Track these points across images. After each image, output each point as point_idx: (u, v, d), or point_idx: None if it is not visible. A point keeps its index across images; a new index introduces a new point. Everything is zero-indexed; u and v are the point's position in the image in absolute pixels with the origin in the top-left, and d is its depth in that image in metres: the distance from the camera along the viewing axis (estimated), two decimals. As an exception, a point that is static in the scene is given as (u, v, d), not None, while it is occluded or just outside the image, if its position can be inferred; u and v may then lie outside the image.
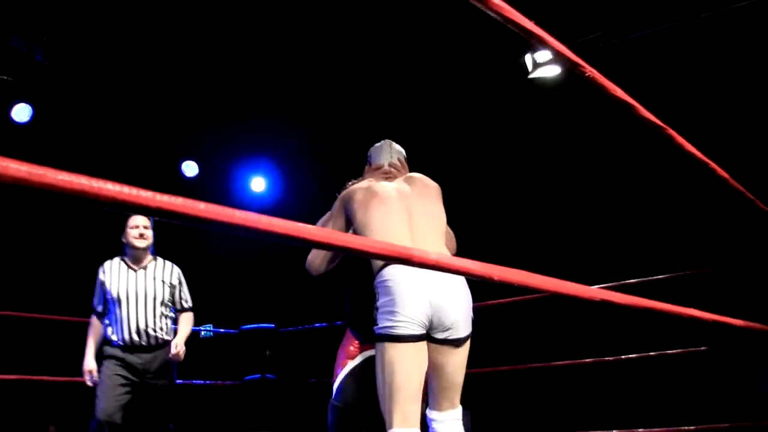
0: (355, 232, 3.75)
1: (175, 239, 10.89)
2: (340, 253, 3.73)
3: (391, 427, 3.35)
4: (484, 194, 8.94)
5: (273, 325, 7.95)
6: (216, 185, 10.49)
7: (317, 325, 8.15)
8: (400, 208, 3.71)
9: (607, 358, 6.68)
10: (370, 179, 3.98)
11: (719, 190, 3.93)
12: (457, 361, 3.50)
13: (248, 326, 7.97)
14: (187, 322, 5.65)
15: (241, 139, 9.93)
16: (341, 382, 4.04)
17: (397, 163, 4.14)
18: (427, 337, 3.43)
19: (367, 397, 3.73)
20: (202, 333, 8.32)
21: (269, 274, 10.89)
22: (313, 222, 6.99)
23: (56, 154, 6.75)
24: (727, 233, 7.35)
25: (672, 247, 7.96)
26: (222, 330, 8.25)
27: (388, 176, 4.03)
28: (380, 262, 3.50)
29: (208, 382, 7.99)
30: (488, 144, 9.28)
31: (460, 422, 3.57)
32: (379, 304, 3.46)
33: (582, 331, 8.45)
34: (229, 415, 8.35)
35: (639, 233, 8.41)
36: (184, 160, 9.83)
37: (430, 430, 3.56)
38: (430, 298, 3.38)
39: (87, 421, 5.15)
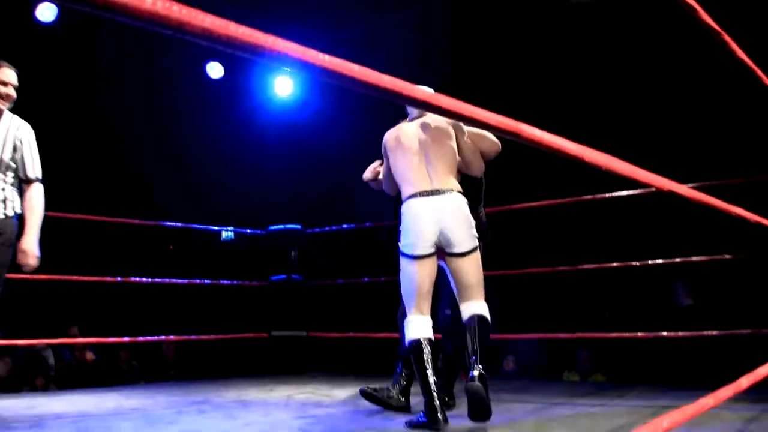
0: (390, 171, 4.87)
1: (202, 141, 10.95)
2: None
3: (408, 315, 4.51)
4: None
5: (300, 226, 7.94)
6: (241, 87, 10.44)
7: (344, 226, 8.18)
8: (419, 156, 4.66)
9: (634, 263, 6.74)
10: (400, 124, 4.93)
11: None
12: (468, 267, 4.48)
13: (275, 227, 7.96)
14: (34, 200, 4.68)
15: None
16: None
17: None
18: (444, 252, 4.48)
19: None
20: (224, 235, 8.33)
21: (296, 176, 10.92)
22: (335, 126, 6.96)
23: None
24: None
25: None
26: (249, 231, 8.24)
27: (413, 119, 4.91)
28: (406, 195, 4.60)
29: (234, 282, 8.02)
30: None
31: (484, 308, 4.47)
32: (400, 228, 4.59)
33: (615, 235, 8.54)
34: (254, 315, 8.40)
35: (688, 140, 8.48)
36: (209, 62, 9.73)
37: (464, 312, 4.49)
38: (437, 224, 4.43)
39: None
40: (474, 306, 4.44)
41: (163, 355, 9.91)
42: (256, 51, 1.14)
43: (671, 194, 2.44)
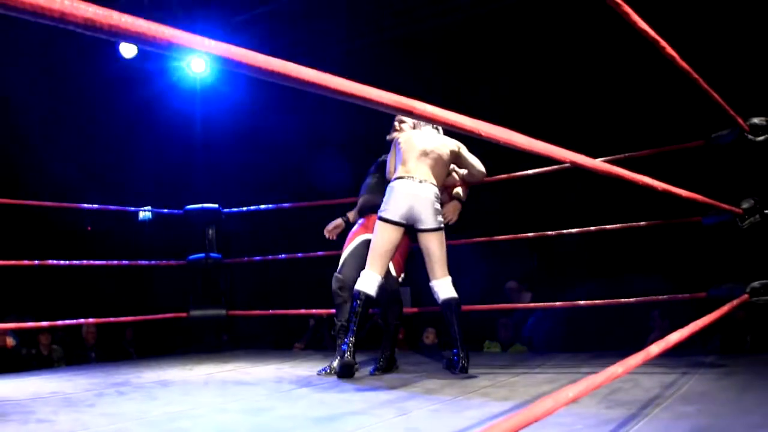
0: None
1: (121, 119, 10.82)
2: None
3: (365, 268, 5.48)
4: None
5: (217, 206, 7.87)
6: (155, 65, 10.32)
7: (262, 207, 8.13)
8: (419, 154, 5.65)
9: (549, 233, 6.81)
10: (408, 131, 5.96)
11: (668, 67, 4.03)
12: (434, 244, 5.50)
13: (192, 207, 7.88)
14: None
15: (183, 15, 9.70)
16: (345, 258, 5.97)
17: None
18: (415, 228, 5.54)
19: (359, 264, 5.70)
20: (141, 215, 8.24)
21: (214, 154, 10.86)
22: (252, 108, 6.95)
23: None
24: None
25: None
26: (166, 210, 8.15)
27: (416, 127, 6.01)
28: (396, 177, 5.61)
29: (152, 262, 7.95)
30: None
31: (450, 285, 5.51)
32: (384, 199, 5.59)
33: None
34: (173, 294, 8.35)
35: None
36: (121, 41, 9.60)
37: (433, 293, 5.54)
38: (409, 202, 5.46)
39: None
40: (444, 287, 5.50)
41: (83, 338, 9.82)
42: (140, 39, 1.13)
43: (576, 167, 2.47)
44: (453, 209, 6.00)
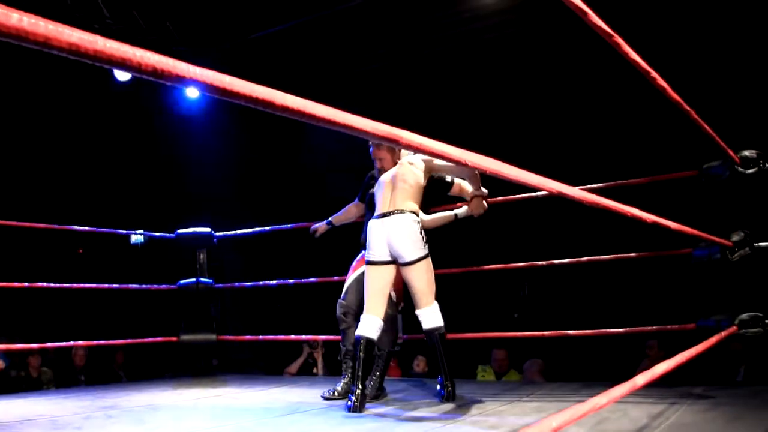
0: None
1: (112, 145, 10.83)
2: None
3: (363, 312, 5.43)
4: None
5: (209, 231, 7.87)
6: (149, 90, 10.33)
7: (253, 231, 8.13)
8: (389, 187, 5.58)
9: (540, 263, 6.83)
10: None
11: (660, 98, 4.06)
12: (413, 276, 5.37)
13: (184, 231, 7.88)
14: None
15: (177, 41, 9.74)
16: (348, 285, 5.99)
17: (380, 161, 5.89)
18: (398, 263, 5.41)
19: (362, 296, 5.63)
20: (133, 239, 8.22)
21: (207, 178, 10.87)
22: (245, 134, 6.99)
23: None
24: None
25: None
26: (158, 234, 8.15)
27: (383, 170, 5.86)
28: (371, 217, 5.58)
29: (143, 286, 7.95)
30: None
31: (437, 314, 5.41)
32: (366, 240, 5.55)
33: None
34: (163, 319, 8.33)
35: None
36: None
37: (420, 321, 5.44)
38: (387, 239, 5.37)
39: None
40: (429, 317, 5.41)
41: (73, 361, 9.80)
42: (125, 65, 1.14)
43: (563, 197, 2.49)
44: (476, 205, 5.80)
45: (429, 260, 5.43)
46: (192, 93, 10.13)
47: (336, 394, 5.77)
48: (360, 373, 5.18)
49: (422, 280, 5.38)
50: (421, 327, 5.49)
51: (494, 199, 6.48)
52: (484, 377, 8.80)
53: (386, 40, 9.86)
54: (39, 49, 1.05)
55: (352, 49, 10.02)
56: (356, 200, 6.38)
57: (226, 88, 1.27)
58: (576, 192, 2.59)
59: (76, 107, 10.51)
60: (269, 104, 1.32)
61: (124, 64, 1.14)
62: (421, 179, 5.64)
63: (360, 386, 5.13)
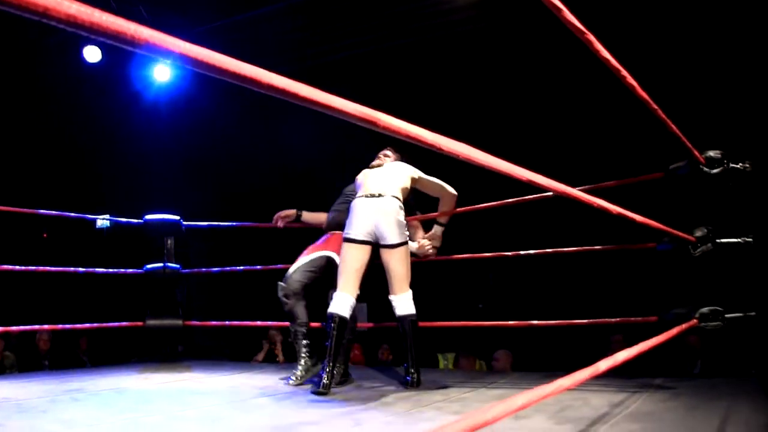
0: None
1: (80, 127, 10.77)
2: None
3: (336, 290, 5.46)
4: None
5: (178, 218, 7.86)
6: (119, 72, 10.29)
7: (223, 224, 8.16)
8: (377, 175, 5.77)
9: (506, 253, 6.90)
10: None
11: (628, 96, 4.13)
12: (395, 259, 5.52)
13: (152, 217, 7.87)
14: None
15: (146, 22, 9.68)
16: (296, 267, 6.04)
17: (381, 158, 6.14)
18: (379, 245, 5.53)
19: (305, 278, 5.96)
20: (98, 224, 8.18)
21: (176, 164, 10.85)
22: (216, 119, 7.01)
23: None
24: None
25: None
26: (124, 220, 8.12)
27: (378, 165, 6.04)
28: (356, 197, 5.67)
29: (109, 270, 7.93)
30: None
31: (410, 302, 5.57)
32: (347, 220, 5.62)
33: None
34: (130, 303, 8.33)
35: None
36: (86, 45, 9.58)
37: (393, 307, 5.58)
38: (373, 219, 5.48)
39: None
40: (403, 304, 5.57)
41: (37, 346, 9.78)
42: (119, 38, 1.17)
43: (532, 185, 2.54)
44: (433, 236, 6.20)
45: (408, 247, 5.62)
46: (162, 75, 10.12)
47: (297, 378, 5.81)
48: (333, 352, 5.28)
49: (403, 264, 5.55)
50: (393, 313, 5.62)
51: (464, 209, 6.55)
52: (446, 366, 8.88)
53: (362, 28, 9.89)
54: (37, 20, 1.09)
55: (327, 37, 10.04)
56: (331, 210, 6.42)
57: (215, 64, 1.30)
58: (545, 180, 2.65)
59: (45, 89, 10.44)
60: (255, 82, 1.35)
61: (118, 37, 1.18)
62: (408, 182, 5.84)
63: (331, 365, 5.25)
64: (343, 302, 5.41)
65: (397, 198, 5.60)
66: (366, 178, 5.80)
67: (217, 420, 4.28)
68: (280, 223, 6.76)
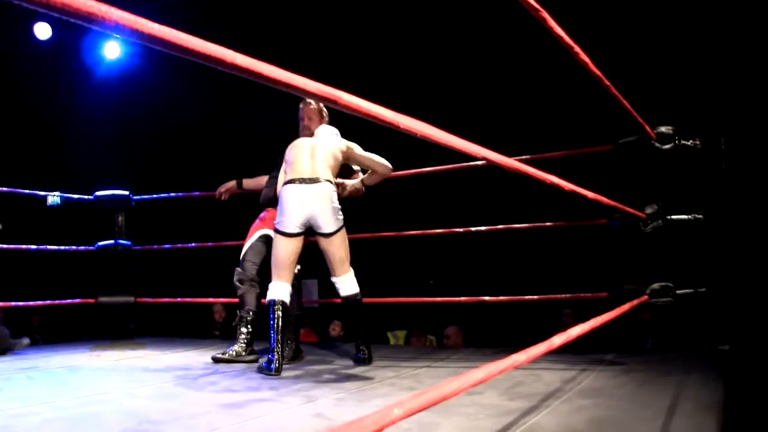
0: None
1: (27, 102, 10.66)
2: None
3: (272, 280, 5.45)
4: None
5: (128, 193, 7.82)
6: (70, 50, 10.19)
7: (173, 194, 8.12)
8: (306, 153, 5.59)
9: (457, 229, 6.93)
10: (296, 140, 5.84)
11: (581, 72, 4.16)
12: (334, 246, 5.49)
13: (102, 193, 7.81)
14: None
15: None
16: (245, 252, 6.12)
17: (307, 123, 5.98)
18: (314, 232, 5.49)
19: (258, 260, 6.06)
20: (49, 201, 8.10)
21: (126, 140, 10.78)
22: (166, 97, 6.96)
23: None
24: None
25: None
26: (76, 196, 8.06)
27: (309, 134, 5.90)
28: (286, 181, 5.52)
29: (60, 248, 7.88)
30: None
31: (353, 281, 5.62)
32: (279, 207, 5.51)
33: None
34: (81, 281, 8.28)
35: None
36: (37, 22, 9.48)
37: (336, 288, 5.63)
38: (306, 210, 5.38)
39: None
40: (345, 284, 5.61)
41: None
42: (90, 20, 1.17)
43: (487, 165, 2.56)
44: (351, 187, 6.03)
45: (344, 230, 5.57)
46: (112, 52, 10.05)
47: (228, 355, 5.84)
48: (279, 336, 5.23)
49: (341, 248, 5.54)
50: (337, 293, 5.69)
51: (409, 171, 6.56)
52: (396, 343, 8.92)
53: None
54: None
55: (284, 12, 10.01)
56: (270, 176, 6.39)
57: (182, 45, 1.30)
58: (498, 157, 2.67)
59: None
60: (220, 62, 1.36)
61: (89, 18, 1.17)
62: (339, 158, 5.71)
63: (279, 348, 5.20)
64: (281, 289, 5.42)
65: (329, 182, 5.50)
66: (297, 156, 5.61)
67: (170, 397, 4.28)
68: (223, 197, 6.75)
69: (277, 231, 5.48)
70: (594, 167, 6.96)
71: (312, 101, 5.92)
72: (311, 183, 5.42)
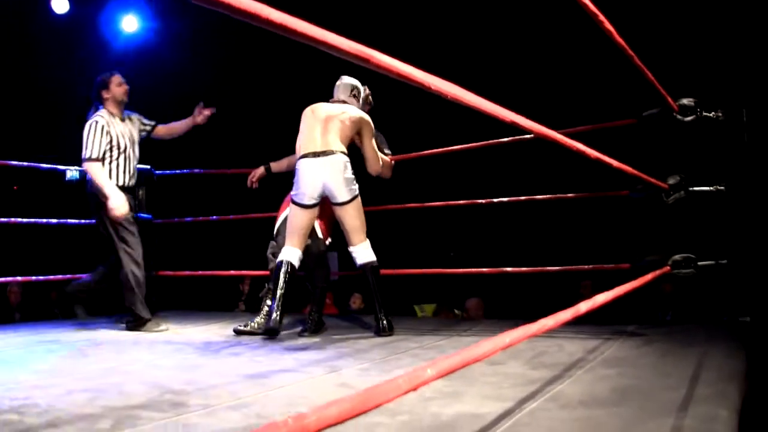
0: None
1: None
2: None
3: (286, 244, 5.66)
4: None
5: (149, 167, 7.82)
6: (88, 23, 10.19)
7: (196, 170, 8.14)
8: (320, 125, 5.73)
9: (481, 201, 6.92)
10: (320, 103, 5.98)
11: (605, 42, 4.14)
12: (348, 215, 5.64)
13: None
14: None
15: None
16: (278, 227, 6.15)
17: (340, 96, 6.08)
18: (331, 202, 5.65)
19: None
20: (68, 176, 8.10)
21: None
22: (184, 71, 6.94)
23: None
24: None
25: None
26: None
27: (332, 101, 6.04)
28: (300, 155, 5.70)
29: (81, 221, 7.89)
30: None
31: (369, 250, 5.71)
32: (294, 179, 5.70)
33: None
34: (101, 255, 8.27)
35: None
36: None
37: (353, 258, 5.76)
38: (319, 182, 5.57)
39: None
40: (362, 252, 5.70)
41: (8, 299, 9.74)
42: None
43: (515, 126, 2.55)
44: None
45: (359, 199, 5.71)
46: (131, 25, 10.05)
47: (250, 327, 5.88)
48: (281, 294, 5.47)
49: (356, 218, 5.68)
50: (354, 263, 5.82)
51: (437, 150, 6.54)
52: (423, 316, 8.93)
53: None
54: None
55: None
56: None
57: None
58: (527, 122, 2.66)
59: (11, 40, 10.33)
60: (253, 16, 1.34)
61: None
62: (353, 127, 5.84)
63: (280, 306, 5.44)
64: (291, 253, 5.64)
65: (343, 153, 5.66)
66: (310, 128, 5.79)
67: (195, 368, 4.29)
68: (255, 185, 6.72)
69: (293, 202, 5.69)
70: (616, 139, 6.94)
71: (349, 82, 6.12)
72: (323, 156, 5.60)
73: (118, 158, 6.45)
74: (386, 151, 6.33)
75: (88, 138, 6.35)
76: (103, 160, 6.36)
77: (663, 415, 2.75)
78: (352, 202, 5.63)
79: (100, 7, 9.94)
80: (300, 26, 1.45)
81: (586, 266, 6.47)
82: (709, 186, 5.70)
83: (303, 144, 5.75)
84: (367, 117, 5.94)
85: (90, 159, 6.31)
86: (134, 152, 6.66)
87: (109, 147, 6.39)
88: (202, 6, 1.30)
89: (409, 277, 7.56)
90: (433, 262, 8.82)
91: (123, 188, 6.39)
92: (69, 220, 7.82)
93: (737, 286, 5.68)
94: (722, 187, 5.67)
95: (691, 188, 5.69)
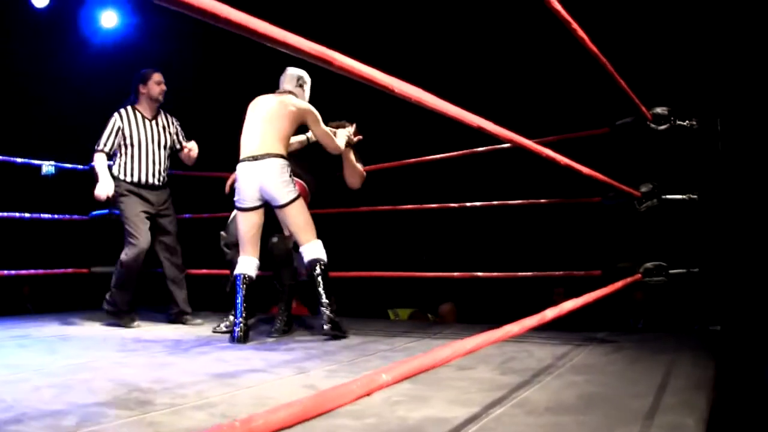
0: None
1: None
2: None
3: (241, 254, 5.68)
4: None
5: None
6: (67, 18, 10.15)
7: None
8: (257, 125, 5.76)
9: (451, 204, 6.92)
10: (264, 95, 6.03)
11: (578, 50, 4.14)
12: (290, 217, 5.61)
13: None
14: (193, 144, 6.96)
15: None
16: (231, 218, 6.12)
17: (286, 86, 6.07)
18: (271, 205, 5.64)
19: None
20: (44, 170, 8.06)
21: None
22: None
23: None
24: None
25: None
26: (70, 165, 8.04)
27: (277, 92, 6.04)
28: (239, 159, 5.73)
29: (55, 216, 7.86)
30: None
31: (319, 248, 5.62)
32: (236, 184, 5.78)
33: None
34: (75, 250, 8.25)
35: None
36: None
37: (301, 258, 5.68)
38: (257, 184, 5.59)
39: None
40: (310, 249, 5.61)
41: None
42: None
43: (482, 131, 2.55)
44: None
45: (301, 200, 5.68)
46: (110, 22, 10.02)
47: (224, 327, 5.98)
48: (243, 307, 5.48)
49: (299, 218, 5.64)
50: (303, 265, 5.81)
51: (409, 160, 6.54)
52: (396, 320, 8.92)
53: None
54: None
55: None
56: None
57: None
58: (494, 127, 2.66)
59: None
60: (213, 16, 1.34)
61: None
62: (295, 120, 5.84)
63: (243, 319, 5.43)
64: (248, 264, 5.65)
65: (278, 156, 5.64)
66: (248, 129, 5.84)
67: (163, 366, 4.28)
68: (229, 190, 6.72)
69: (236, 207, 5.77)
70: (589, 147, 6.95)
71: (295, 73, 6.13)
72: (256, 161, 5.62)
73: (132, 154, 6.61)
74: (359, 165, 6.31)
75: (103, 130, 6.63)
76: (113, 154, 6.65)
77: (629, 423, 2.76)
78: (292, 204, 5.60)
79: (80, 2, 9.88)
80: (260, 27, 1.45)
81: (557, 272, 6.49)
82: (682, 194, 5.72)
83: (242, 146, 5.79)
84: (309, 106, 5.92)
85: (96, 150, 6.60)
86: (156, 153, 6.71)
87: (122, 143, 6.61)
88: (161, 5, 1.30)
89: (382, 281, 7.56)
90: (407, 266, 8.83)
91: (137, 185, 6.59)
92: (43, 215, 7.77)
93: (708, 295, 5.72)
94: (695, 196, 5.70)
95: (663, 196, 5.71)
